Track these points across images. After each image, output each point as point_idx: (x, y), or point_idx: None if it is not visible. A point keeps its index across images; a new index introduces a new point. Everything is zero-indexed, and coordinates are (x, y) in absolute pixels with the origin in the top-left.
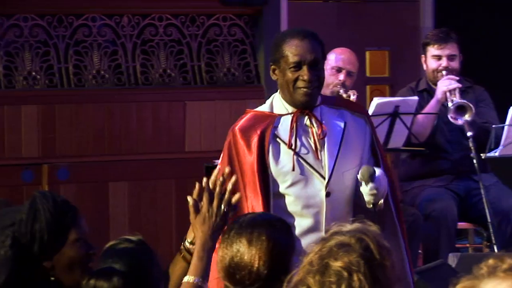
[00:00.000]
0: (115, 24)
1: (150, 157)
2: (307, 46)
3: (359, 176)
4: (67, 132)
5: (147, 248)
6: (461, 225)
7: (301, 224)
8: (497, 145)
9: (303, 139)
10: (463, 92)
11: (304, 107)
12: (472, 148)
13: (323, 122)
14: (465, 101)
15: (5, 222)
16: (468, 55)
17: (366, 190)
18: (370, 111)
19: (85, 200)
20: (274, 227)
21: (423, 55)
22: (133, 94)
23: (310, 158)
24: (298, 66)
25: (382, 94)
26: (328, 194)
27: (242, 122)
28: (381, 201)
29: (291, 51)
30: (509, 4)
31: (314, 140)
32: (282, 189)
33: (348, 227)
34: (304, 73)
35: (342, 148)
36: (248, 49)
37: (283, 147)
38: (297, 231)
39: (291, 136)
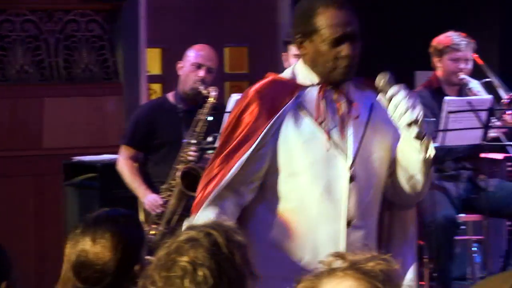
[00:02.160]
0: None
1: (7, 154)
2: (345, 17)
3: (376, 84)
4: None
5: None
6: None
7: (318, 211)
8: None
9: (329, 114)
10: None
11: (339, 83)
12: None
13: (353, 100)
14: None
15: None
16: None
17: (393, 93)
18: (228, 108)
19: None
20: (119, 223)
21: (284, 53)
22: None
23: (335, 135)
24: (338, 41)
25: (241, 91)
26: (352, 179)
27: (260, 84)
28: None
29: (328, 24)
30: (364, 1)
31: (341, 117)
32: (299, 167)
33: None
34: (346, 48)
35: (369, 130)
36: (107, 45)
37: (307, 120)
38: (312, 219)
39: (318, 108)
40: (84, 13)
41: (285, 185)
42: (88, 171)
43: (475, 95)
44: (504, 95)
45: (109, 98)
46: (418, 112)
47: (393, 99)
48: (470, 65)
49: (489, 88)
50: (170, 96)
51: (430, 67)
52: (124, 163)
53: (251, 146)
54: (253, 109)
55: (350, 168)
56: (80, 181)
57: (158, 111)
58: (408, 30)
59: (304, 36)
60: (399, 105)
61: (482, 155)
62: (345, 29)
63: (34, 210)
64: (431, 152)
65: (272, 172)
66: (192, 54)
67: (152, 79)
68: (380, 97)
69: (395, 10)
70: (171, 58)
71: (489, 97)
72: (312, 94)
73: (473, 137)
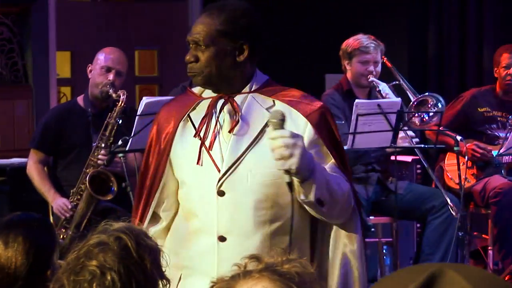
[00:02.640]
0: None
1: None
2: (196, 23)
3: (268, 121)
4: None
5: None
6: None
7: (194, 221)
8: None
9: (211, 126)
10: None
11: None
12: None
13: (242, 111)
14: None
15: None
16: None
17: (274, 137)
18: (139, 111)
19: None
20: (32, 227)
21: None
22: None
23: (215, 148)
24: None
25: (151, 94)
26: (221, 193)
27: (172, 100)
28: (308, 181)
29: None
30: (274, 4)
31: (219, 129)
32: (183, 176)
33: (115, 225)
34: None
35: (256, 147)
36: (16, 48)
37: (191, 131)
38: (190, 229)
39: (202, 123)
40: None
41: (179, 192)
42: None
43: (384, 97)
44: (412, 98)
45: (19, 102)
46: (290, 164)
47: (272, 142)
48: (379, 68)
49: (398, 90)
50: (80, 100)
51: (341, 70)
52: (33, 166)
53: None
54: (154, 131)
55: (218, 182)
56: None
57: (67, 114)
58: (318, 34)
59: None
60: (275, 150)
61: (391, 157)
62: (189, 36)
63: None
64: (311, 197)
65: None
66: (102, 57)
67: (62, 82)
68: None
69: (306, 13)
70: (80, 61)
71: (398, 99)
72: (204, 106)
73: (383, 140)
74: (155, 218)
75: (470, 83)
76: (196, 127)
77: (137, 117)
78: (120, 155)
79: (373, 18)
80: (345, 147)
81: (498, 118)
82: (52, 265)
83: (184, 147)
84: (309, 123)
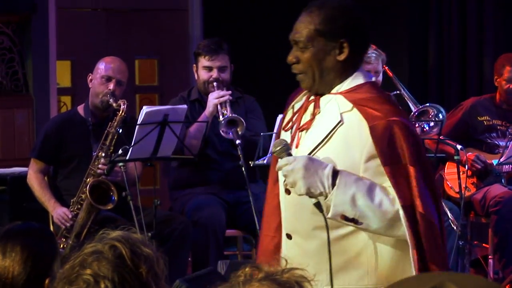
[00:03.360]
0: None
1: None
2: None
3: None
4: None
5: None
6: (230, 232)
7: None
8: (265, 153)
9: (296, 122)
10: (233, 104)
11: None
12: (240, 156)
13: (319, 112)
14: (235, 115)
15: None
16: (238, 64)
17: (278, 168)
18: (139, 120)
19: None
20: (31, 236)
21: (194, 65)
22: None
23: (293, 144)
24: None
25: (152, 103)
26: (288, 191)
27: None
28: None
29: None
30: (277, 13)
31: (298, 125)
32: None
33: (112, 234)
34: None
35: (325, 147)
36: (16, 57)
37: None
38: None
39: (290, 119)
40: None
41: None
42: None
43: None
44: (413, 107)
45: (19, 111)
46: (297, 190)
47: (281, 170)
48: (380, 78)
49: (399, 100)
50: (80, 109)
51: None
52: (34, 176)
53: None
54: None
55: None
56: None
57: (68, 124)
58: None
59: None
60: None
61: None
62: (291, 34)
63: None
64: (330, 214)
65: None
66: (102, 67)
67: (62, 91)
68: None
69: None
70: (81, 71)
71: None
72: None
73: None
74: None
75: (471, 92)
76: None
77: (137, 127)
78: (121, 164)
79: (374, 27)
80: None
81: (498, 127)
82: (52, 274)
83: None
84: (370, 136)
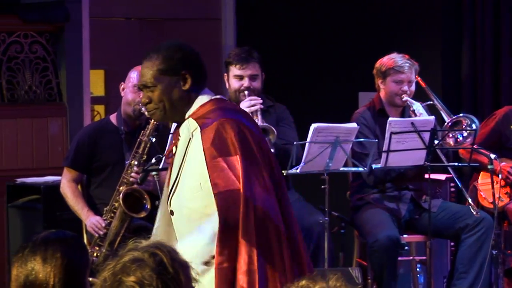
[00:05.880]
0: None
1: None
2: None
3: None
4: None
5: None
6: None
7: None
8: (298, 162)
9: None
10: (265, 112)
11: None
12: None
13: (180, 136)
14: (267, 124)
15: None
16: (270, 73)
17: None
18: (172, 129)
19: None
20: (68, 244)
21: (225, 74)
22: None
23: (173, 171)
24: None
25: None
26: (172, 213)
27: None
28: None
29: None
30: (309, 22)
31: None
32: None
33: (144, 243)
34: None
35: (185, 163)
36: (50, 66)
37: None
38: None
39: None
40: (27, 35)
41: None
42: (31, 192)
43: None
44: (446, 118)
45: (53, 120)
46: None
47: None
48: (413, 87)
49: (432, 110)
50: (113, 118)
51: (374, 88)
52: (67, 185)
53: None
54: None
55: (168, 202)
56: (24, 202)
57: (100, 133)
58: (351, 51)
59: None
60: None
61: (425, 176)
62: (138, 83)
63: None
64: None
65: None
66: (134, 76)
67: (95, 100)
68: None
69: (339, 31)
70: (114, 80)
71: (431, 117)
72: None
73: (416, 158)
74: None
75: (504, 102)
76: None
77: (170, 135)
78: (154, 173)
79: (407, 37)
80: (378, 165)
81: None
82: (85, 283)
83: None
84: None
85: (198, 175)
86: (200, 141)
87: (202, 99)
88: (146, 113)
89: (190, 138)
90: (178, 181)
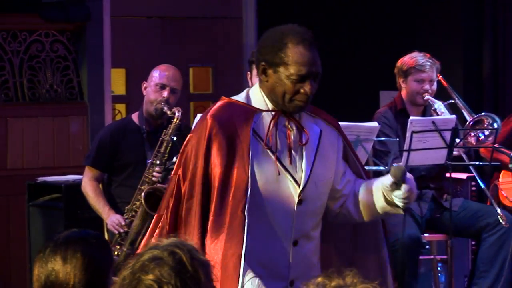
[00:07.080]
0: None
1: None
2: (312, 57)
3: (391, 176)
4: None
5: None
6: None
7: (267, 229)
8: None
9: (279, 140)
10: None
11: (292, 114)
12: None
13: (292, 128)
14: None
15: None
16: None
17: (399, 193)
18: (193, 128)
19: None
20: (90, 243)
21: (248, 72)
22: None
23: (285, 160)
24: (302, 78)
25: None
26: (300, 202)
27: (216, 110)
28: None
29: (296, 61)
30: (331, 21)
31: (290, 143)
32: (255, 186)
33: (164, 241)
34: (307, 87)
35: (318, 156)
36: (71, 65)
37: (259, 144)
38: (263, 235)
39: (270, 135)
40: (48, 34)
41: (250, 201)
42: (52, 191)
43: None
44: (468, 117)
45: (74, 119)
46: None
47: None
48: (434, 86)
49: (454, 109)
50: (134, 117)
51: (395, 87)
52: (88, 183)
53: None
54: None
55: (300, 193)
56: (44, 201)
57: (122, 132)
58: (373, 50)
59: (270, 65)
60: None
61: (446, 174)
62: (311, 68)
63: None
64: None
65: None
66: (157, 75)
67: (117, 99)
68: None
69: (361, 30)
70: (135, 79)
71: (453, 116)
72: (266, 119)
73: (437, 157)
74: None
75: None
76: (264, 139)
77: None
78: None
79: (428, 35)
80: (399, 164)
81: None
82: (108, 283)
83: (260, 158)
84: (340, 132)
85: (332, 172)
86: (338, 141)
87: None
88: (168, 112)
89: (321, 131)
90: (311, 172)
